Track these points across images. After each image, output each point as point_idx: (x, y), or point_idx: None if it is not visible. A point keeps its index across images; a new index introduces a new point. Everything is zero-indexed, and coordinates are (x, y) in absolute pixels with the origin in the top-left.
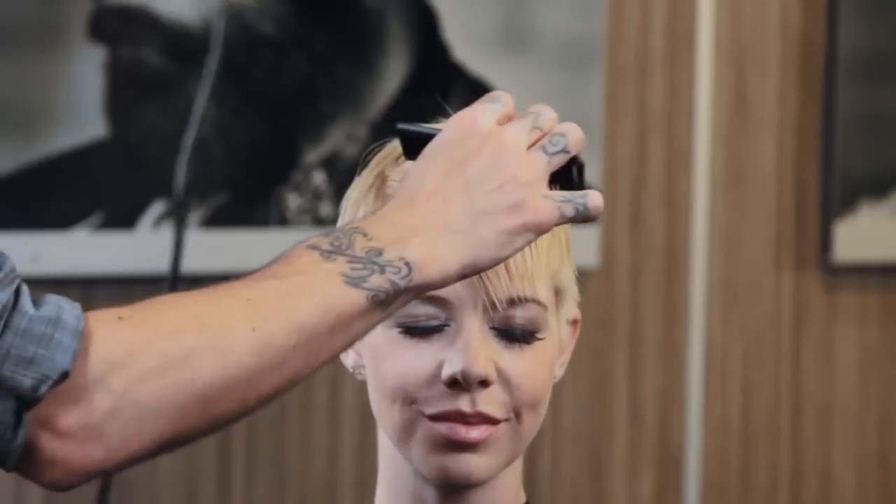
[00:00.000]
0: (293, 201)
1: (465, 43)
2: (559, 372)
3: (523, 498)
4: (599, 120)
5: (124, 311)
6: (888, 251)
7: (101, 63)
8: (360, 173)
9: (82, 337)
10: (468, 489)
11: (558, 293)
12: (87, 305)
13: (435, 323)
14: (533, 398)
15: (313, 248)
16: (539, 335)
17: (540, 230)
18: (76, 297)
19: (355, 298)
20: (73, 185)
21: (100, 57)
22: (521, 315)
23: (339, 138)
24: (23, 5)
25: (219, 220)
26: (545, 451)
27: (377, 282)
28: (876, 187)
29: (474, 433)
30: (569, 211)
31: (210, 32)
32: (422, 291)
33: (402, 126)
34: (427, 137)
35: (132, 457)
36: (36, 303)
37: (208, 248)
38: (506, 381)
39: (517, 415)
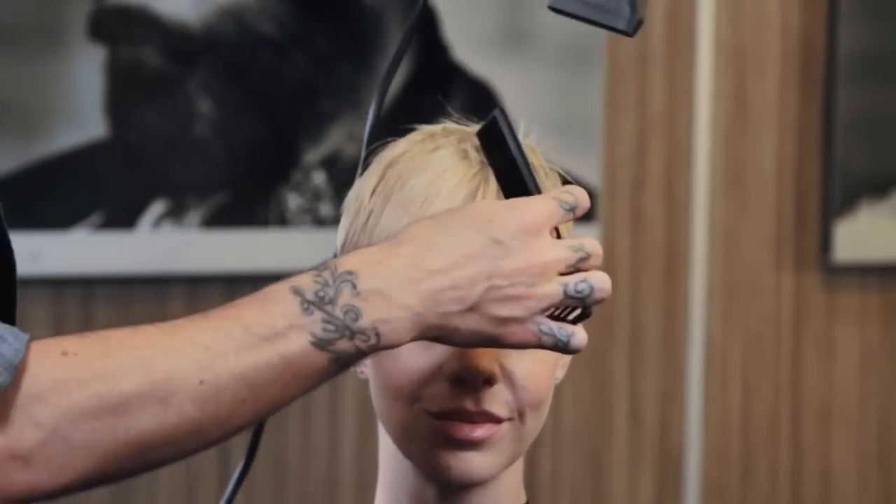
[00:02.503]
0: (293, 201)
1: (465, 43)
2: (560, 374)
3: (524, 498)
4: (599, 120)
5: (71, 345)
6: (888, 251)
7: (101, 63)
8: (360, 173)
9: (16, 370)
10: (469, 488)
11: None
12: (87, 305)
13: None
14: (536, 398)
15: (297, 293)
16: None
17: (509, 346)
18: (76, 296)
19: (317, 359)
20: (73, 185)
21: (100, 57)
22: None
23: (339, 138)
24: (23, 5)
25: (219, 220)
26: (545, 451)
27: (343, 346)
28: (876, 187)
29: (478, 432)
30: (549, 343)
31: (210, 32)
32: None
33: (498, 115)
34: (507, 149)
35: (58, 490)
36: None
37: (208, 248)
38: (510, 381)
39: (520, 414)
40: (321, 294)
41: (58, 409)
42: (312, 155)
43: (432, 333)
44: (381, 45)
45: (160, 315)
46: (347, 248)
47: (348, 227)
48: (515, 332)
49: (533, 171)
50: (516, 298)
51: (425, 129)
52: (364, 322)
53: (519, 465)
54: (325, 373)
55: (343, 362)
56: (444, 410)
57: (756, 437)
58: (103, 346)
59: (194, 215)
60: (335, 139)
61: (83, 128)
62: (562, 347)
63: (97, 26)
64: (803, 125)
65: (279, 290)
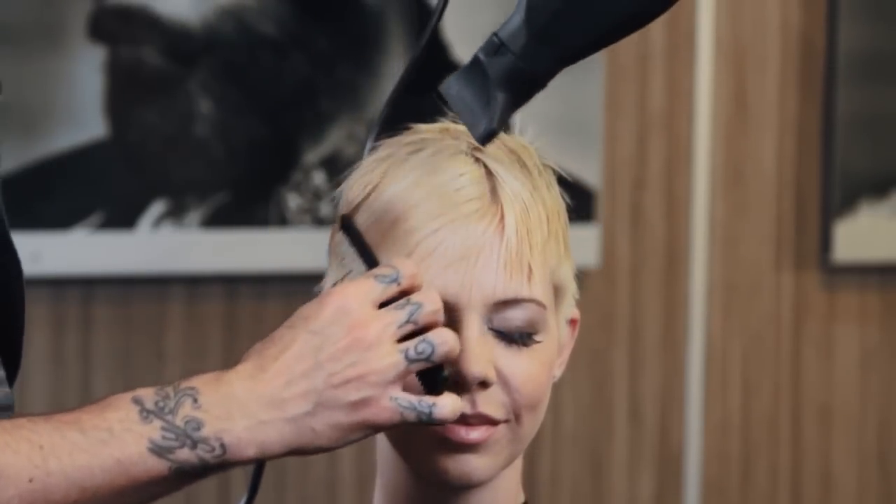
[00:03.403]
0: (293, 201)
1: (465, 43)
2: (558, 372)
3: (522, 498)
4: (599, 120)
5: None
6: (888, 251)
7: (101, 63)
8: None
9: None
10: (467, 490)
11: (557, 291)
12: (87, 305)
13: None
14: (532, 399)
15: (136, 402)
16: (538, 337)
17: (378, 429)
18: (76, 296)
19: (156, 467)
20: (73, 185)
21: (100, 57)
22: (519, 316)
23: (339, 138)
24: (23, 5)
25: (219, 220)
26: (545, 451)
27: (185, 456)
28: (876, 187)
29: (474, 434)
30: (412, 416)
31: (210, 32)
32: (237, 466)
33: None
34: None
35: None
36: None
37: (208, 248)
38: (505, 383)
39: (517, 416)
40: (161, 405)
41: None
42: (312, 155)
43: (292, 445)
44: (381, 45)
45: (160, 315)
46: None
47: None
48: (376, 413)
49: (372, 257)
50: (357, 378)
51: (418, 128)
52: (206, 431)
53: (517, 465)
54: (166, 484)
55: (186, 473)
56: None
57: (756, 437)
58: None
59: (194, 215)
60: (335, 139)
61: (83, 128)
62: (426, 420)
63: (97, 26)
64: (803, 125)
65: (120, 398)
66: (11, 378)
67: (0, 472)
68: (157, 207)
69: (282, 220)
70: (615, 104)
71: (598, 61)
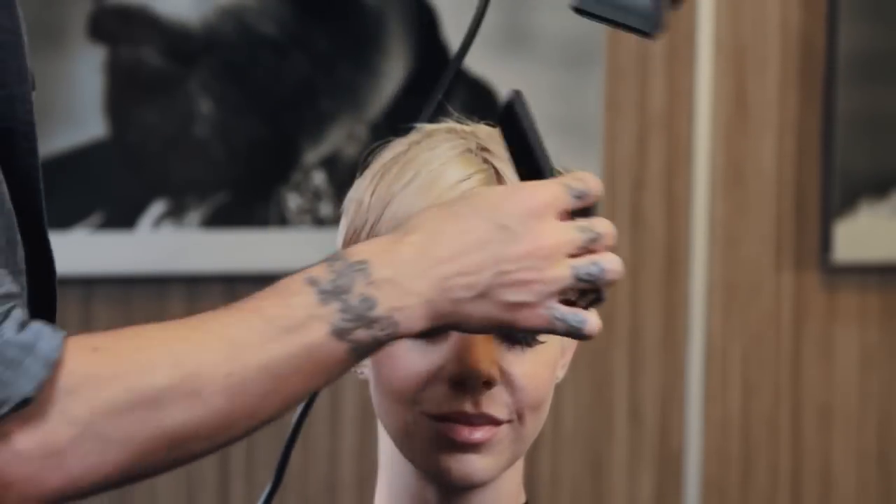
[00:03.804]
0: (293, 201)
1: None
2: (561, 373)
3: (523, 498)
4: (599, 120)
5: (101, 341)
6: (888, 251)
7: (101, 63)
8: (360, 173)
9: (54, 366)
10: (470, 490)
11: None
12: (87, 305)
13: None
14: (535, 400)
15: (312, 283)
16: (541, 338)
17: (525, 330)
18: (76, 296)
19: (337, 349)
20: (73, 185)
21: (100, 57)
22: None
23: (339, 138)
24: (23, 5)
25: (219, 220)
26: (545, 451)
27: (361, 336)
28: (876, 187)
29: (477, 434)
30: (561, 328)
31: (210, 32)
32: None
33: (514, 97)
34: (523, 132)
35: (93, 486)
36: (23, 325)
37: (208, 248)
38: (508, 383)
39: (519, 416)
40: (337, 284)
41: (92, 404)
42: (312, 155)
43: (446, 321)
44: (381, 45)
45: (160, 315)
46: (348, 245)
47: (348, 227)
48: (527, 318)
49: (547, 154)
50: (525, 283)
51: (425, 128)
52: (380, 310)
53: (519, 465)
54: (344, 363)
55: (361, 352)
56: (443, 413)
57: (756, 437)
58: (133, 341)
59: (194, 215)
60: (335, 139)
61: (83, 128)
62: (574, 333)
63: (97, 26)
64: (803, 125)
65: (295, 281)
66: None
67: (199, 370)
68: (157, 207)
69: (282, 220)
70: (615, 104)
71: (598, 61)
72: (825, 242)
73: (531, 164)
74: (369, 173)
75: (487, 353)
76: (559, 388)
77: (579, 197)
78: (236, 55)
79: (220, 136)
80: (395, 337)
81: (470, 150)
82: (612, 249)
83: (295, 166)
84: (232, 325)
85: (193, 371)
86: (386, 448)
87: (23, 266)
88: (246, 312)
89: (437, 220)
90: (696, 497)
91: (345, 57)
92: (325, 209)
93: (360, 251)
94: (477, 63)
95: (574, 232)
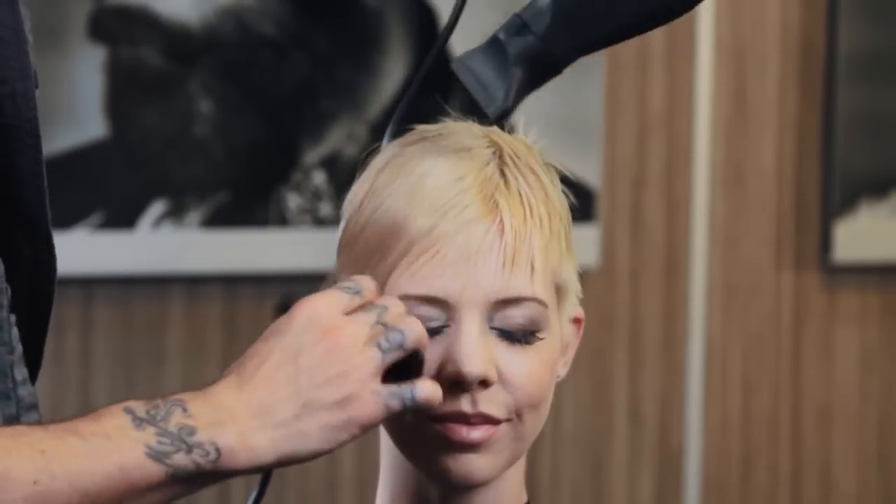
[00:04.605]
0: (293, 201)
1: (465, 43)
2: (563, 371)
3: (525, 498)
4: (599, 120)
5: None
6: (888, 251)
7: (101, 63)
8: (360, 174)
9: None
10: (471, 489)
11: (559, 290)
12: (87, 305)
13: (435, 324)
14: (534, 398)
15: (128, 412)
16: (540, 335)
17: (365, 425)
18: (76, 296)
19: (154, 472)
20: (73, 185)
21: (100, 57)
22: (520, 314)
23: (339, 138)
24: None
25: (219, 220)
26: (545, 451)
27: (181, 460)
28: (876, 187)
29: (475, 434)
30: (396, 405)
31: (210, 32)
32: (231, 475)
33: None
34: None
35: None
36: None
37: (208, 248)
38: (507, 382)
39: (518, 415)
40: (152, 413)
41: None
42: (312, 155)
43: (282, 449)
44: (381, 45)
45: (160, 315)
46: (344, 249)
47: (344, 229)
48: (361, 409)
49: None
50: (338, 377)
51: (421, 129)
52: (200, 436)
53: (521, 464)
54: (163, 490)
55: (182, 479)
56: (441, 413)
57: (756, 437)
58: None
59: (194, 215)
60: (335, 139)
61: (83, 128)
62: (410, 406)
63: (97, 26)
64: (803, 125)
65: (112, 409)
66: (32, 379)
67: (6, 474)
68: (157, 207)
69: (282, 220)
70: (615, 104)
71: (598, 61)
72: (825, 242)
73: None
74: (366, 174)
75: (484, 352)
76: (559, 388)
77: (357, 293)
78: (236, 55)
79: (220, 136)
80: (220, 468)
81: (465, 150)
82: (404, 321)
83: (295, 166)
84: (45, 438)
85: (0, 474)
86: (387, 448)
87: (3, 284)
88: (60, 430)
89: (238, 364)
90: (696, 497)
91: (345, 57)
92: (325, 209)
93: (178, 394)
94: None
95: (360, 315)
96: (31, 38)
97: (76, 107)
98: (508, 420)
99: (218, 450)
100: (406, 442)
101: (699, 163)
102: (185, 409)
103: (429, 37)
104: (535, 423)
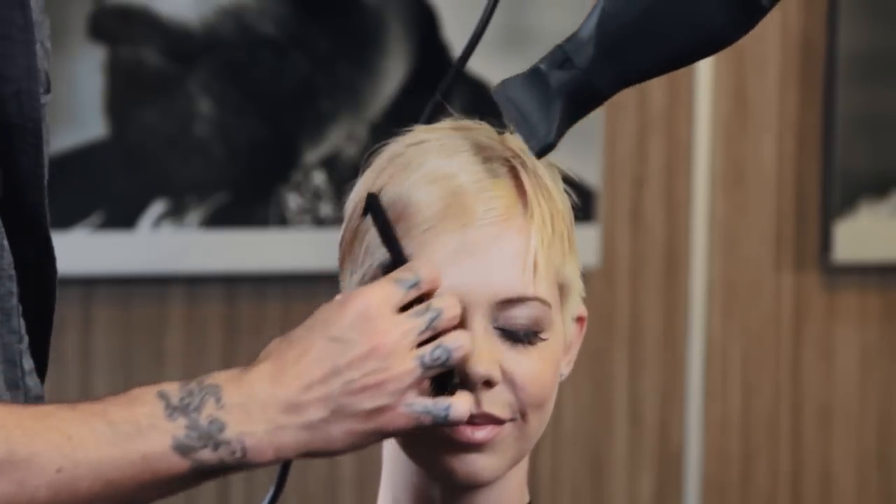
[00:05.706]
0: (293, 201)
1: (465, 43)
2: (566, 370)
3: (527, 498)
4: (599, 120)
5: None
6: (888, 251)
7: (101, 63)
8: (361, 174)
9: None
10: (474, 489)
11: (562, 290)
12: (87, 305)
13: None
14: (538, 398)
15: (162, 397)
16: (543, 335)
17: (392, 435)
18: (76, 296)
19: (178, 465)
20: (73, 185)
21: (100, 57)
22: (524, 314)
23: (339, 138)
24: None
25: (219, 220)
26: (545, 451)
27: (206, 456)
28: (876, 187)
29: (480, 434)
30: (427, 421)
31: (210, 32)
32: (251, 469)
33: (370, 202)
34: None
35: None
36: None
37: (208, 248)
38: (511, 382)
39: (523, 415)
40: (186, 401)
41: None
42: (312, 155)
43: (306, 449)
44: (381, 45)
45: (160, 315)
46: (344, 249)
47: (345, 229)
48: (391, 421)
49: (400, 247)
50: (374, 386)
51: (421, 128)
52: (229, 434)
53: (524, 465)
54: (183, 481)
55: (203, 473)
56: None
57: (756, 437)
58: None
59: (194, 215)
60: (335, 139)
61: (83, 128)
62: (442, 422)
63: (97, 26)
64: (803, 125)
65: (145, 392)
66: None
67: (29, 460)
68: (157, 207)
69: (282, 220)
70: (615, 104)
71: None
72: (825, 242)
73: (391, 251)
74: (367, 174)
75: (489, 353)
76: (559, 388)
77: (413, 286)
78: (236, 55)
79: (220, 136)
80: (244, 464)
81: (469, 148)
82: (457, 321)
83: (295, 166)
84: (73, 422)
85: (24, 461)
86: (389, 447)
87: (12, 272)
88: (90, 414)
89: (280, 347)
90: (696, 497)
91: (345, 57)
92: (325, 209)
93: (214, 376)
94: (477, 63)
95: (411, 320)
96: (50, 46)
97: (76, 107)
98: (513, 420)
99: (244, 448)
100: (410, 441)
101: (699, 163)
102: (218, 399)
103: (429, 37)
104: (539, 423)
